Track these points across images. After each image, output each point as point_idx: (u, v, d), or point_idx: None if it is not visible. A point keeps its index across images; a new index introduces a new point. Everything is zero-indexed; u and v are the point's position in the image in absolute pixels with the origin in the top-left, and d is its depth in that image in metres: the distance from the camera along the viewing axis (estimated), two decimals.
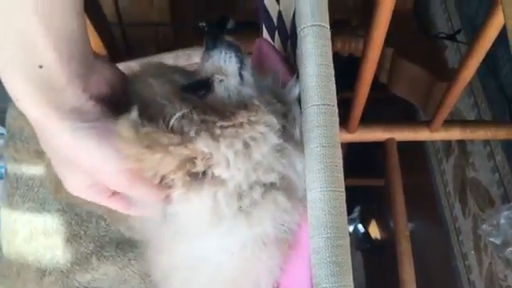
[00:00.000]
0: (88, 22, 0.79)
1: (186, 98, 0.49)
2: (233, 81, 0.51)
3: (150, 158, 0.44)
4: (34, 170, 1.01)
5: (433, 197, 1.73)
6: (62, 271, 0.95)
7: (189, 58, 0.85)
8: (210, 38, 0.53)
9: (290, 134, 0.50)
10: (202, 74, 0.53)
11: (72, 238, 0.96)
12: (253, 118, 0.48)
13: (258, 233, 0.49)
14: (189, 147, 0.45)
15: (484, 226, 1.19)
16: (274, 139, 0.48)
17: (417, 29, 1.60)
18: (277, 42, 0.70)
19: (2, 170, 1.54)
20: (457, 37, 1.44)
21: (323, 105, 0.47)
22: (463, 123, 1.12)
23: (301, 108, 0.50)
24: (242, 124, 0.47)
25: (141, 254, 0.93)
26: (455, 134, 1.09)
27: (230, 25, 1.66)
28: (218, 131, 0.47)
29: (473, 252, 1.43)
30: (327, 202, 0.44)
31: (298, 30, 0.51)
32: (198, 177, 0.47)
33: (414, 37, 1.53)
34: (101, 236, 0.96)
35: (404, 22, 1.60)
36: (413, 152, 1.84)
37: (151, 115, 0.46)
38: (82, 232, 0.96)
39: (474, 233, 1.44)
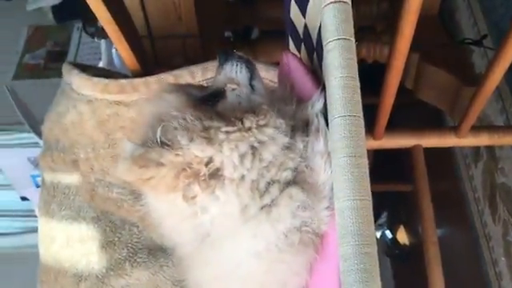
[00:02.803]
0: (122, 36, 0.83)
1: (199, 108, 0.52)
2: (244, 89, 0.55)
3: (148, 173, 0.50)
4: (70, 179, 1.05)
5: (461, 203, 1.71)
6: (97, 276, 0.98)
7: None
8: (222, 53, 0.59)
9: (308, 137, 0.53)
10: (216, 86, 0.57)
11: (106, 244, 1.00)
12: (261, 122, 0.52)
13: (281, 231, 0.51)
14: (180, 155, 0.50)
15: None
16: (283, 139, 0.51)
17: (442, 34, 1.59)
18: (303, 54, 0.72)
19: (38, 179, 1.60)
20: (483, 42, 1.43)
21: (349, 116, 0.49)
22: (491, 129, 1.11)
23: (327, 120, 0.52)
24: (249, 128, 0.52)
25: (172, 260, 0.96)
26: (483, 139, 1.09)
27: (255, 34, 1.69)
28: (222, 136, 0.52)
29: (503, 258, 1.41)
30: (354, 210, 0.45)
31: (324, 43, 0.53)
32: (217, 176, 0.50)
33: (440, 42, 1.53)
34: (134, 242, 0.99)
35: (430, 28, 1.59)
36: (440, 157, 1.83)
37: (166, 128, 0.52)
38: (116, 239, 0.99)
39: (504, 239, 1.42)
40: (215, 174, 0.51)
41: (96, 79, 0.92)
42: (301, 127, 0.54)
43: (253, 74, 0.58)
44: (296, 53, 0.77)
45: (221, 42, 1.41)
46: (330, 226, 0.52)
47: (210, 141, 0.51)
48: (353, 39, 0.52)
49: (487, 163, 1.58)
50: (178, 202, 0.52)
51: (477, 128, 1.09)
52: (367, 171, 0.47)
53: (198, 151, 0.50)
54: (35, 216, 1.67)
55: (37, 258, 1.17)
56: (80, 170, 1.01)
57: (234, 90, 0.57)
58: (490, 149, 1.53)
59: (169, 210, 0.54)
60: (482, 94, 0.95)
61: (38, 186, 1.64)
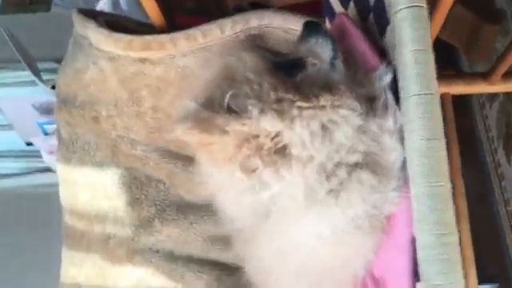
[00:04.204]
0: None
1: (275, 75, 0.49)
2: (325, 66, 0.51)
3: (210, 139, 0.47)
4: (90, 135, 1.02)
5: (473, 142, 1.71)
6: (126, 234, 0.98)
7: (247, 23, 0.83)
8: (311, 25, 0.56)
9: (377, 117, 0.50)
10: (296, 55, 0.53)
11: (133, 202, 0.98)
12: (336, 103, 0.49)
13: (350, 216, 0.50)
14: (247, 125, 0.47)
15: None
16: (357, 121, 0.49)
17: None
18: (351, 12, 0.67)
19: (46, 127, 1.56)
20: None
21: (425, 94, 0.46)
22: None
23: (395, 96, 0.49)
24: (323, 107, 0.48)
25: (201, 217, 0.95)
26: None
27: None
28: (295, 111, 0.48)
29: None
30: (432, 197, 0.44)
31: (394, 9, 0.49)
32: (283, 154, 0.48)
33: None
34: (161, 200, 0.98)
35: None
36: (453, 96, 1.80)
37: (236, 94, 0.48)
38: (143, 196, 0.98)
39: None
40: (281, 151, 0.48)
41: (117, 35, 0.86)
42: (370, 105, 0.51)
43: (336, 53, 0.54)
44: (338, 7, 0.72)
45: None
46: (398, 207, 0.50)
47: (281, 114, 0.48)
48: (425, 6, 0.48)
49: (503, 103, 1.55)
50: (237, 174, 0.49)
51: (509, 74, 1.06)
52: (445, 154, 0.45)
53: (267, 125, 0.47)
54: (39, 157, 1.66)
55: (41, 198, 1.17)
56: (101, 126, 0.98)
57: (314, 64, 0.53)
58: None
59: (226, 181, 0.52)
60: None
61: (46, 134, 1.60)
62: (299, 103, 0.48)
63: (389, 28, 0.53)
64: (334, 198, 0.49)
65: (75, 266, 1.05)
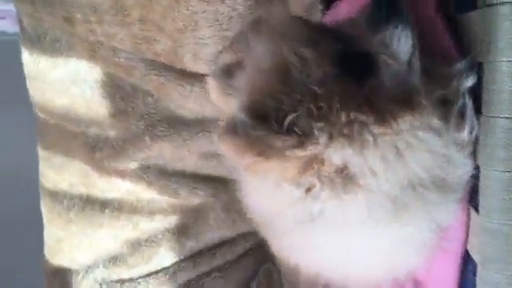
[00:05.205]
0: None
1: (343, 81, 0.40)
2: (401, 68, 0.41)
3: (265, 165, 0.40)
4: (60, 31, 0.87)
5: None
6: (112, 146, 0.91)
7: None
8: (387, 7, 0.42)
9: (452, 130, 0.43)
10: (365, 45, 0.42)
11: (118, 113, 0.89)
12: (416, 123, 0.40)
13: (409, 232, 0.46)
14: (311, 150, 0.40)
15: None
16: (436, 144, 0.41)
17: None
18: None
19: None
20: None
21: None
22: None
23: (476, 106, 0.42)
24: (401, 131, 0.40)
25: (196, 133, 0.89)
26: None
27: None
28: (368, 137, 0.40)
29: None
30: (509, 237, 0.40)
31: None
32: (348, 181, 0.42)
33: None
34: (151, 114, 0.89)
35: None
36: None
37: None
38: (130, 109, 0.89)
39: None
40: (346, 177, 0.41)
41: None
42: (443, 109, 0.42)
43: (415, 46, 0.42)
44: None
45: None
46: (456, 219, 0.46)
47: (351, 140, 0.40)
48: None
49: None
50: (286, 186, 0.43)
51: None
52: None
53: (335, 154, 0.40)
54: None
55: None
56: (75, 29, 0.83)
57: (389, 64, 0.42)
58: None
59: (266, 186, 0.45)
60: None
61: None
62: (374, 128, 0.40)
63: (474, 14, 0.42)
64: (394, 218, 0.44)
65: (54, 169, 0.99)
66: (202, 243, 0.93)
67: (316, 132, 0.39)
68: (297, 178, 0.41)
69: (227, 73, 0.50)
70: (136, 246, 0.94)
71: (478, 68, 0.42)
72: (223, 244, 0.94)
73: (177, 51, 0.80)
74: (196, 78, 0.84)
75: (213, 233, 0.93)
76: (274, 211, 0.49)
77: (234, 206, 0.92)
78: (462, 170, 0.44)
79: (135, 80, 0.86)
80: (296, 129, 0.39)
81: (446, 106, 0.43)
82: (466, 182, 0.45)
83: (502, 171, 0.40)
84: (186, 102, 0.87)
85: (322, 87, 0.40)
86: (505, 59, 0.39)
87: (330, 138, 0.39)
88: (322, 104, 0.39)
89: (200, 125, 0.89)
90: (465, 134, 0.43)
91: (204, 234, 0.93)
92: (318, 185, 0.41)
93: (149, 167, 0.91)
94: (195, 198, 0.92)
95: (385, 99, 0.40)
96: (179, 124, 0.89)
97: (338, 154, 0.39)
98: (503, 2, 0.38)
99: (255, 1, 0.77)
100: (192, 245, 0.93)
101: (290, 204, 0.45)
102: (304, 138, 0.39)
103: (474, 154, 0.44)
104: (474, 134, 0.43)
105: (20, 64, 0.95)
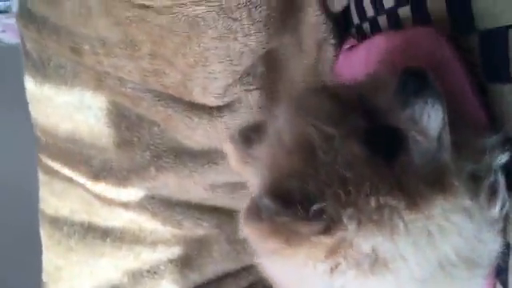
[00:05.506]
0: None
1: (374, 163, 0.38)
2: (431, 145, 0.40)
3: (291, 251, 0.38)
4: (65, 59, 0.85)
5: None
6: (117, 176, 0.89)
7: None
8: (416, 79, 0.40)
9: (482, 207, 0.42)
10: (393, 120, 0.40)
11: (123, 143, 0.87)
12: (447, 206, 0.39)
13: None
14: (337, 236, 0.38)
15: None
16: (468, 227, 0.40)
17: None
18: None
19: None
20: None
21: None
22: None
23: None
24: (432, 216, 0.39)
25: (202, 165, 0.87)
26: None
27: None
28: (399, 223, 0.38)
29: None
30: None
31: None
32: (376, 264, 0.40)
33: None
34: (156, 144, 0.87)
35: None
36: None
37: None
38: (135, 139, 0.87)
39: None
40: (374, 261, 0.40)
41: None
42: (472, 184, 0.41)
43: (445, 120, 0.40)
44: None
45: None
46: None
47: (381, 226, 0.38)
48: None
49: None
50: (309, 261, 0.42)
51: None
52: None
53: (364, 241, 0.38)
54: None
55: None
56: (83, 59, 0.81)
57: (418, 141, 0.40)
58: None
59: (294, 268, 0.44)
60: None
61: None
62: (405, 213, 0.38)
63: (509, 87, 0.41)
64: None
65: (55, 195, 0.97)
66: (206, 276, 0.92)
67: (344, 219, 0.37)
68: (323, 260, 0.39)
69: (246, 140, 0.48)
70: (138, 276, 0.92)
71: (510, 145, 0.41)
72: (227, 277, 0.92)
73: (186, 84, 0.79)
74: (204, 110, 0.83)
75: (216, 265, 0.92)
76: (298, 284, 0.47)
77: (238, 238, 0.91)
78: (491, 247, 0.43)
79: (142, 110, 0.85)
80: (323, 215, 0.37)
81: (476, 182, 0.42)
82: (495, 259, 0.44)
83: None
84: (193, 134, 0.85)
85: (351, 170, 0.38)
86: None
87: (359, 223, 0.38)
88: (350, 188, 0.38)
89: (207, 156, 0.87)
90: (496, 211, 0.42)
91: (207, 267, 0.92)
92: (343, 264, 0.40)
93: (153, 197, 0.90)
94: (199, 229, 0.91)
95: (415, 180, 0.39)
96: (185, 155, 0.87)
97: (367, 241, 0.38)
98: None
99: (267, 36, 0.75)
100: (195, 277, 0.91)
101: (314, 277, 0.43)
102: (332, 224, 0.37)
103: (503, 231, 0.43)
104: (504, 211, 0.42)
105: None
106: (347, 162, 0.38)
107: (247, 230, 0.38)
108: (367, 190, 0.37)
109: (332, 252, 0.38)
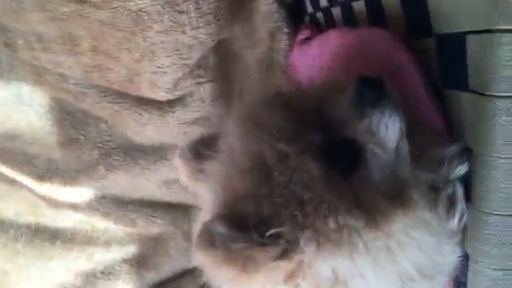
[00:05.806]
0: None
1: (332, 180, 0.36)
2: (389, 157, 0.38)
3: (248, 278, 0.36)
4: (1, 53, 0.78)
5: None
6: (63, 177, 0.84)
7: None
8: (372, 89, 0.38)
9: (440, 218, 0.41)
10: (350, 132, 0.38)
11: (68, 142, 0.82)
12: (407, 221, 0.38)
13: None
14: (295, 259, 0.36)
15: None
16: (427, 241, 0.39)
17: None
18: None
19: None
20: None
21: None
22: None
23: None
24: (392, 233, 0.37)
25: (153, 162, 0.84)
26: None
27: None
28: (359, 243, 0.37)
29: None
30: None
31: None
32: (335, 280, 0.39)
33: None
34: (105, 141, 0.83)
35: None
36: None
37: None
38: (82, 137, 0.82)
39: None
40: (334, 281, 0.38)
41: None
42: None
43: (403, 131, 0.39)
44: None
45: None
46: None
47: (340, 246, 0.36)
48: None
49: None
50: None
51: None
52: None
53: (323, 264, 0.36)
54: None
55: None
56: (17, 54, 0.75)
57: (376, 154, 0.38)
58: None
59: None
60: None
61: None
62: (364, 232, 0.36)
63: (466, 96, 0.40)
64: None
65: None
66: (163, 274, 0.89)
67: (302, 242, 0.36)
68: (282, 284, 0.38)
69: (197, 155, 0.45)
70: (92, 278, 0.88)
71: (468, 155, 0.40)
72: (185, 274, 0.90)
73: (133, 79, 0.74)
74: (154, 105, 0.78)
75: (174, 263, 0.90)
76: None
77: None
78: (450, 257, 0.43)
79: (86, 106, 0.80)
80: (280, 239, 0.35)
81: (435, 192, 0.40)
82: (454, 270, 0.43)
83: (494, 269, 0.39)
84: (144, 130, 0.81)
85: (308, 190, 0.36)
86: (501, 155, 0.36)
87: (318, 245, 0.36)
88: (308, 209, 0.36)
89: (159, 152, 0.84)
90: (455, 223, 0.41)
91: (165, 265, 0.89)
92: (303, 285, 0.38)
93: (104, 197, 0.86)
94: (154, 227, 0.88)
95: (374, 195, 0.37)
96: (136, 152, 0.83)
97: (326, 263, 0.36)
98: (500, 96, 0.36)
99: (217, 28, 0.71)
100: (152, 276, 0.89)
101: None
102: (289, 247, 0.35)
103: (462, 242, 0.42)
104: (463, 222, 0.41)
105: None
106: (303, 181, 0.36)
107: (200, 258, 0.36)
108: (325, 210, 0.35)
109: (291, 276, 0.36)
